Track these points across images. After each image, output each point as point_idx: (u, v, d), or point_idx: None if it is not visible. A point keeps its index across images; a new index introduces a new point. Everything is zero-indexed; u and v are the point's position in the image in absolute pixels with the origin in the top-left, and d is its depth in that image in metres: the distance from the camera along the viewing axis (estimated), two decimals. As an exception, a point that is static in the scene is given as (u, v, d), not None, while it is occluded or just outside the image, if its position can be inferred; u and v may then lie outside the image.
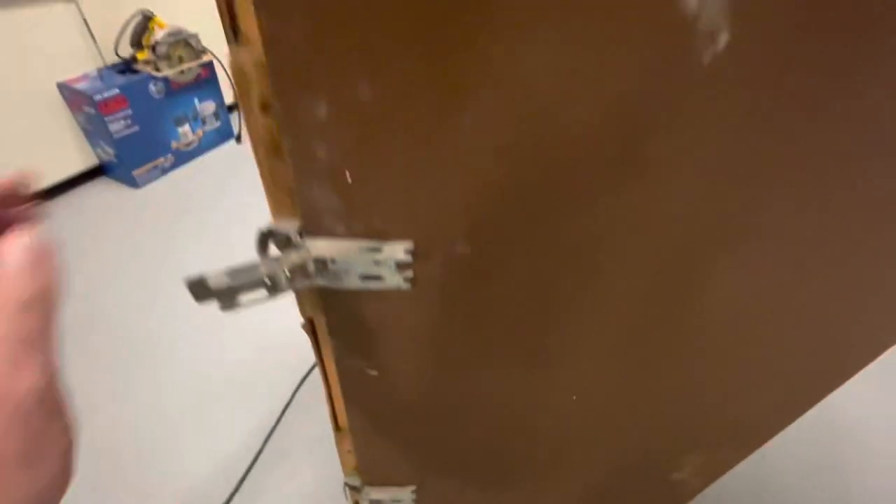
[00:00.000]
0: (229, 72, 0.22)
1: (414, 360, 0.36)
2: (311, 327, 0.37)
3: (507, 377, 0.39)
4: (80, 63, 1.59)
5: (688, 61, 0.20)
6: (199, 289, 0.27)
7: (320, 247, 0.26)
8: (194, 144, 1.98)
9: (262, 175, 0.26)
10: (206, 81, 1.92)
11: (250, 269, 0.27)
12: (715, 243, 0.29)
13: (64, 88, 1.55)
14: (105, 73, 1.63)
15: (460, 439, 0.48)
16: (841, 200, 0.26)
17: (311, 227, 0.26)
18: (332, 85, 0.20)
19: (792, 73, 0.20)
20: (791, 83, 0.21)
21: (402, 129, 0.22)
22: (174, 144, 1.89)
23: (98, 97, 1.52)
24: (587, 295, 0.32)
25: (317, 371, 1.24)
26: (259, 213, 1.76)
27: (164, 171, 1.89)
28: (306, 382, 1.20)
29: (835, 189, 0.25)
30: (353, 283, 0.28)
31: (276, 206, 0.27)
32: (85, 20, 1.53)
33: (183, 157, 1.95)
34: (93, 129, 1.64)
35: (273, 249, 0.28)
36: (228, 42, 0.22)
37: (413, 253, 0.27)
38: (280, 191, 0.26)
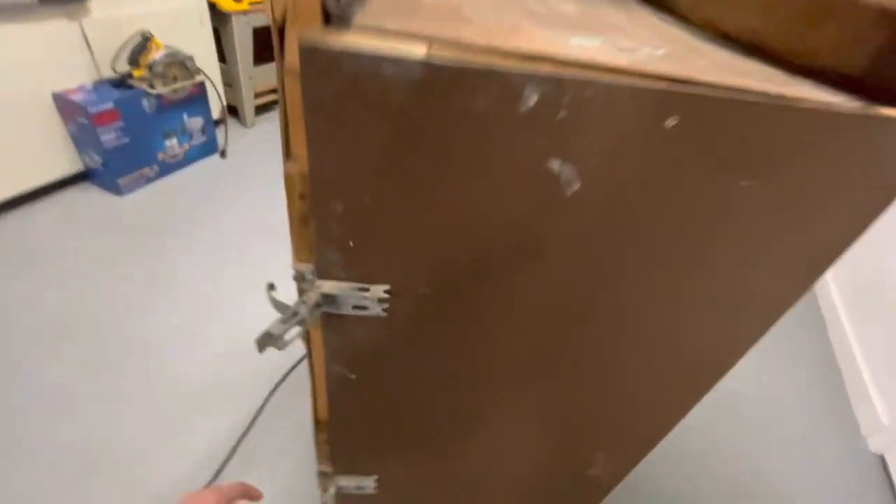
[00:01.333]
0: (284, 183, 0.34)
1: (384, 368, 0.49)
2: (307, 336, 0.49)
3: (454, 384, 0.52)
4: (76, 75, 1.66)
5: (556, 196, 0.34)
6: (266, 339, 0.39)
7: (327, 286, 0.39)
8: (180, 157, 2.06)
9: (292, 236, 0.39)
10: (196, 98, 2.02)
11: (291, 310, 0.39)
12: (592, 299, 0.43)
13: (59, 98, 1.62)
14: (100, 86, 1.71)
15: (415, 437, 0.60)
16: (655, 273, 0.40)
17: (323, 273, 0.39)
18: (346, 193, 0.33)
19: (615, 204, 0.35)
20: (615, 209, 0.35)
21: (386, 220, 0.35)
22: (160, 156, 1.97)
23: (93, 109, 1.60)
24: (508, 325, 0.45)
25: (288, 380, 1.34)
26: (237, 221, 1.84)
27: (149, 180, 1.96)
28: (279, 390, 1.29)
29: (651, 264, 0.40)
30: (347, 310, 0.41)
31: (298, 255, 0.40)
32: (85, 36, 1.61)
33: (167, 168, 2.03)
34: (83, 138, 1.71)
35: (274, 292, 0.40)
36: (283, 158, 0.35)
37: (390, 292, 0.40)
38: (303, 246, 0.39)
